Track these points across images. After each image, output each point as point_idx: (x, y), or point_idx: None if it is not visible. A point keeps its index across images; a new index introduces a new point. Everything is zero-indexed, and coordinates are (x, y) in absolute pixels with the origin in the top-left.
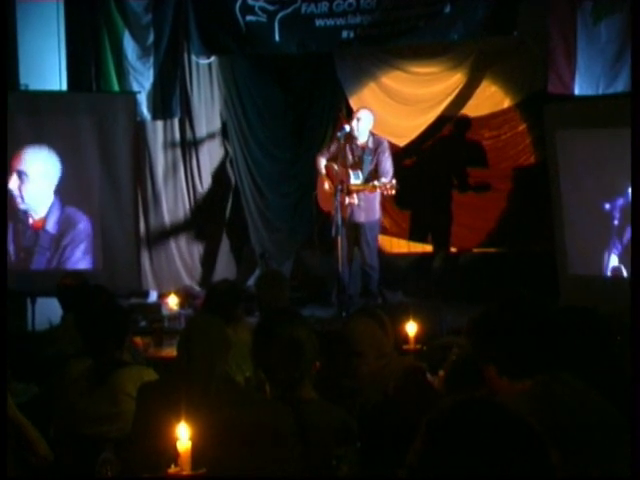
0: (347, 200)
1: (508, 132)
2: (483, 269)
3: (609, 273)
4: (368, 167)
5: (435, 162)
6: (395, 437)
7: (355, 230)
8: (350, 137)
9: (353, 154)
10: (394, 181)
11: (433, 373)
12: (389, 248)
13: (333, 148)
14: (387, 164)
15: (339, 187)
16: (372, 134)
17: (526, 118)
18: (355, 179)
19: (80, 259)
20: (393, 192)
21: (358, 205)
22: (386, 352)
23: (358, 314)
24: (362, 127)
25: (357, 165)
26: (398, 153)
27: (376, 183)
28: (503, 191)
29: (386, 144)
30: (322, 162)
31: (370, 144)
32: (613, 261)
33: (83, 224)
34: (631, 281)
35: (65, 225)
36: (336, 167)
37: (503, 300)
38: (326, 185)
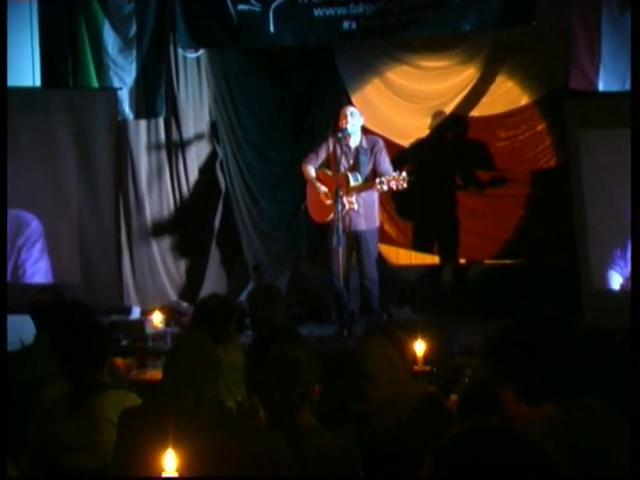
0: (347, 206)
1: (526, 132)
2: (498, 283)
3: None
4: (366, 168)
5: (444, 165)
6: (407, 467)
7: (354, 240)
8: (343, 138)
9: (347, 156)
10: (404, 173)
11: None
12: (395, 259)
13: (322, 153)
14: (386, 163)
15: (340, 192)
16: (364, 133)
17: (546, 117)
18: (354, 182)
19: (38, 259)
20: (405, 185)
21: (357, 211)
22: (400, 378)
23: (374, 334)
24: (355, 124)
25: (354, 167)
26: (402, 154)
27: (384, 178)
28: (520, 197)
29: (382, 143)
30: (311, 170)
31: (364, 144)
32: None
33: (35, 223)
34: (632, 282)
35: (16, 226)
36: (329, 172)
37: (522, 317)
38: (322, 189)
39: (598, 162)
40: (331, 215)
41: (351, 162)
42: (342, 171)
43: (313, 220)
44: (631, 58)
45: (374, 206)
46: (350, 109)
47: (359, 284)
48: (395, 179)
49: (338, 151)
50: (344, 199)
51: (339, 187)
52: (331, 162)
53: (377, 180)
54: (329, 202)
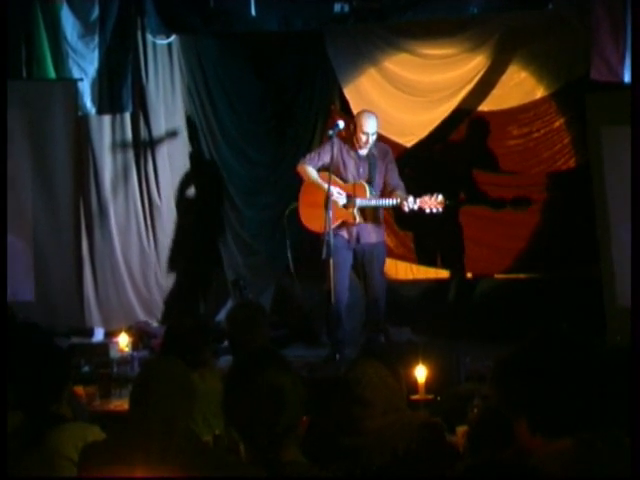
0: (357, 219)
1: (542, 129)
2: (511, 300)
3: None
4: (377, 180)
5: (449, 166)
6: None
7: (362, 254)
8: (347, 141)
9: (357, 164)
10: (441, 196)
11: (449, 429)
12: (394, 274)
13: (325, 156)
14: (396, 175)
15: (331, 199)
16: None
17: (564, 112)
18: (370, 193)
19: None
20: (441, 210)
21: (366, 224)
22: (397, 406)
23: (365, 357)
24: (373, 140)
25: (366, 178)
26: (403, 156)
27: (417, 198)
28: (536, 202)
29: (392, 153)
30: (313, 171)
31: (374, 151)
32: None
33: None
34: (632, 287)
35: None
36: (339, 180)
37: (537, 338)
38: (335, 193)
39: (623, 163)
40: (335, 223)
41: (360, 171)
42: (352, 180)
43: (308, 229)
44: (631, 57)
45: (382, 217)
46: (370, 124)
47: (365, 300)
48: (434, 203)
49: (345, 157)
50: (339, 209)
51: (330, 195)
52: (334, 170)
53: (409, 199)
54: (343, 202)
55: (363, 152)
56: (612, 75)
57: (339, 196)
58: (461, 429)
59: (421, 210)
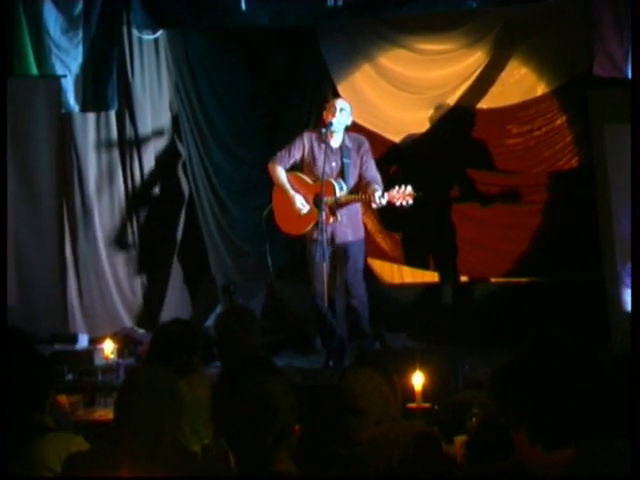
0: (331, 219)
1: (542, 127)
2: (511, 304)
3: None
4: (351, 173)
5: (446, 165)
6: None
7: (340, 254)
8: (326, 135)
9: (329, 159)
10: (410, 187)
11: (447, 439)
12: (389, 277)
13: (296, 152)
14: (373, 169)
15: (323, 199)
16: (348, 130)
17: (566, 109)
18: (340, 191)
19: None
20: (411, 202)
21: (341, 221)
22: (392, 415)
23: (358, 365)
24: (342, 122)
25: (338, 172)
26: (394, 152)
27: (385, 192)
28: (536, 204)
29: (367, 144)
30: (282, 173)
31: (347, 143)
32: None
33: None
34: (632, 288)
35: None
36: (306, 178)
37: (536, 345)
38: (298, 203)
39: (627, 161)
40: (310, 225)
41: (333, 165)
42: (324, 177)
43: (283, 232)
44: (632, 55)
45: (358, 214)
46: (341, 103)
47: (345, 305)
48: (402, 195)
49: (316, 151)
50: (328, 212)
51: (322, 196)
52: (306, 165)
53: (376, 194)
54: (304, 212)
55: (335, 144)
56: (616, 71)
57: (302, 207)
58: (459, 439)
59: (391, 204)
